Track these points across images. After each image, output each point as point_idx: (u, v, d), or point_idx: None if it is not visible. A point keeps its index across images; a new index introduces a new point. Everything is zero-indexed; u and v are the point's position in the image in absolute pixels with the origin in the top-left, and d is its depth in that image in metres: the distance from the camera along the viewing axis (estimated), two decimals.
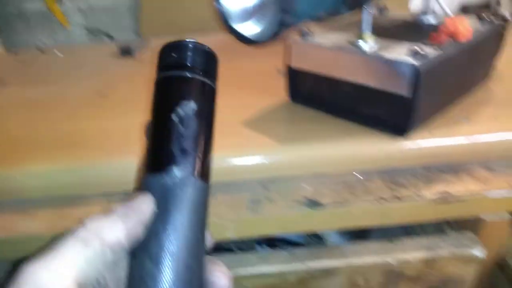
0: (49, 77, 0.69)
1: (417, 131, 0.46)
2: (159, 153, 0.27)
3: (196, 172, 0.27)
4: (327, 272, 0.44)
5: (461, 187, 0.44)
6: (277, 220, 0.42)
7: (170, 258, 0.24)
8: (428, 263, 0.44)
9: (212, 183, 0.45)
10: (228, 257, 0.45)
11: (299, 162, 0.46)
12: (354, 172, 0.47)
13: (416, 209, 0.43)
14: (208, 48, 0.31)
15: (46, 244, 0.23)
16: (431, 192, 0.43)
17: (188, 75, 0.29)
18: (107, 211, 0.25)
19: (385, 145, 0.46)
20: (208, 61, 0.30)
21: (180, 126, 0.27)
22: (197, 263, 0.25)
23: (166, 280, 0.23)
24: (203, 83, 0.29)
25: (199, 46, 0.30)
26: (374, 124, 0.47)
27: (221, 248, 0.62)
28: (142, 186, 0.27)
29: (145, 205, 0.26)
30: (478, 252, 0.44)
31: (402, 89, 0.42)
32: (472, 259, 0.44)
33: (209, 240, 0.29)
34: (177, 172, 0.26)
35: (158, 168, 0.27)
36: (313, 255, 0.44)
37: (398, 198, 0.43)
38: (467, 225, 0.47)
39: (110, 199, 0.45)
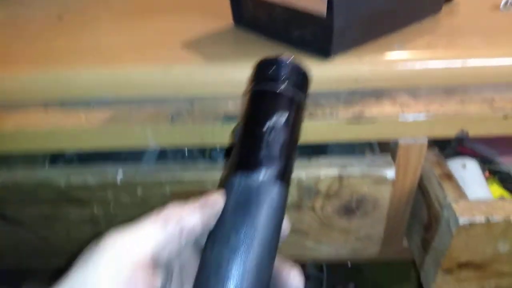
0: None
1: (345, 55, 0.46)
2: (248, 157, 0.30)
3: (278, 176, 0.29)
4: None
5: (377, 109, 0.44)
6: (193, 132, 0.44)
7: (246, 251, 0.26)
8: (341, 181, 0.46)
9: (140, 97, 0.48)
10: (155, 166, 0.48)
11: (224, 82, 0.47)
12: None
13: (328, 128, 0.44)
14: (303, 65, 0.33)
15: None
16: (347, 112, 0.44)
17: (282, 91, 0.31)
18: (185, 202, 0.27)
19: (310, 67, 0.46)
20: (302, 78, 0.33)
21: (269, 136, 0.30)
22: (269, 260, 0.27)
23: (239, 269, 0.26)
24: (294, 99, 0.32)
25: (295, 64, 0.33)
26: (303, 46, 0.47)
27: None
28: (227, 183, 0.30)
29: (220, 200, 0.28)
30: (389, 173, 0.45)
31: (320, 8, 0.42)
32: (383, 180, 0.45)
33: (286, 230, 0.30)
34: (262, 174, 0.29)
35: (245, 169, 0.29)
36: None
37: (312, 115, 0.44)
38: (387, 149, 0.48)
39: (47, 107, 0.48)
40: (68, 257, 0.56)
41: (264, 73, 0.33)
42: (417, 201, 0.51)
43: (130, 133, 0.45)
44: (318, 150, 0.62)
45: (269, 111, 0.31)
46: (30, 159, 0.56)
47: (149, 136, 0.45)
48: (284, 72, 0.32)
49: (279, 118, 0.30)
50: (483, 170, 0.56)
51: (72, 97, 0.48)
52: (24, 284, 1.18)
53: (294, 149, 0.31)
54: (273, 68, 0.32)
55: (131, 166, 0.48)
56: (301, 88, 0.33)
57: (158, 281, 0.25)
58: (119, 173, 0.47)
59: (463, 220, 0.41)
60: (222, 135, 0.44)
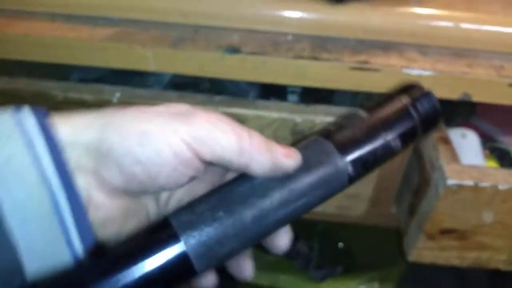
0: None
1: (359, 2, 0.45)
2: (348, 140, 0.29)
3: (352, 173, 0.28)
4: (238, 120, 0.46)
5: (383, 60, 0.43)
6: (193, 59, 0.44)
7: (282, 203, 0.26)
8: None
9: (146, 20, 0.48)
10: (152, 91, 0.48)
11: (233, 15, 0.46)
12: (289, 35, 0.47)
13: (330, 72, 0.43)
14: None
15: None
16: (351, 59, 0.43)
17: (418, 125, 0.32)
18: (268, 139, 0.26)
19: (321, 11, 0.45)
20: (432, 124, 0.33)
21: (379, 145, 0.29)
22: (287, 221, 0.27)
23: (266, 210, 0.25)
24: (416, 137, 0.32)
25: (438, 114, 0.33)
26: None
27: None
28: (311, 141, 0.29)
29: (292, 169, 0.26)
30: None
31: None
32: None
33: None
34: (344, 160, 0.28)
35: (337, 145, 0.28)
36: (226, 102, 0.46)
37: (316, 58, 0.43)
38: None
39: (54, 19, 0.48)
40: None
41: (418, 97, 0.32)
42: (410, 166, 0.50)
43: (131, 53, 0.44)
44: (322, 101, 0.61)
45: (398, 127, 0.31)
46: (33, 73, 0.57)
47: (150, 58, 0.44)
48: (428, 113, 0.32)
49: (398, 140, 0.30)
50: (484, 148, 0.55)
51: (79, 13, 0.48)
52: None
53: (373, 170, 0.31)
54: (427, 100, 0.32)
55: (129, 89, 0.48)
56: (428, 130, 0.33)
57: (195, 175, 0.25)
58: (116, 94, 0.47)
59: (451, 181, 0.41)
60: (222, 66, 0.44)
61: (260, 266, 0.96)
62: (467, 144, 0.49)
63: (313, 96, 0.60)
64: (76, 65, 0.55)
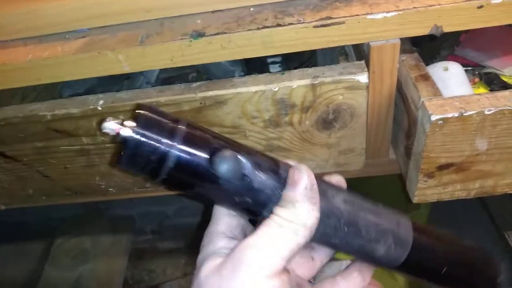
0: None
1: None
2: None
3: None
4: (218, 102, 0.47)
5: (345, 11, 0.43)
6: (162, 51, 0.45)
7: None
8: (314, 90, 0.45)
9: (112, 24, 0.49)
10: (132, 92, 0.49)
11: (193, 0, 0.47)
12: (250, 7, 0.47)
13: (296, 36, 0.43)
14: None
15: None
16: (314, 18, 0.43)
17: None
18: None
19: None
20: None
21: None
22: None
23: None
24: None
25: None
26: None
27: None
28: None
29: None
30: (362, 78, 0.44)
31: None
32: (356, 86, 0.45)
33: None
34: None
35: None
36: (205, 87, 0.47)
37: (280, 25, 0.43)
38: (363, 56, 0.47)
39: (27, 43, 0.50)
40: (71, 193, 0.59)
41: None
42: (398, 109, 0.50)
43: (103, 60, 0.46)
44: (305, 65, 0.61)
45: None
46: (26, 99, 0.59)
47: (122, 60, 0.45)
48: None
49: None
50: (473, 76, 0.54)
51: (48, 32, 0.49)
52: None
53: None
54: None
55: (111, 94, 0.49)
56: None
57: None
58: (100, 102, 0.48)
59: (435, 116, 0.41)
60: (191, 52, 0.45)
61: None
62: (451, 76, 0.48)
63: (295, 61, 0.60)
64: (63, 83, 0.57)
